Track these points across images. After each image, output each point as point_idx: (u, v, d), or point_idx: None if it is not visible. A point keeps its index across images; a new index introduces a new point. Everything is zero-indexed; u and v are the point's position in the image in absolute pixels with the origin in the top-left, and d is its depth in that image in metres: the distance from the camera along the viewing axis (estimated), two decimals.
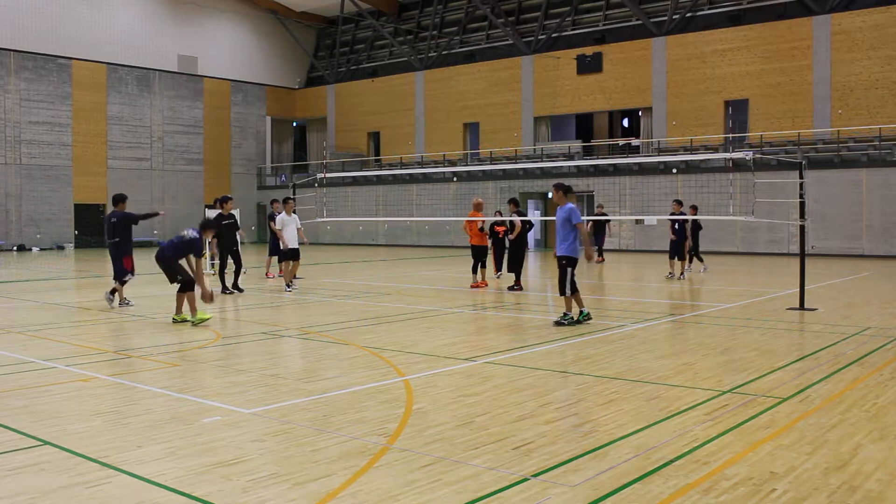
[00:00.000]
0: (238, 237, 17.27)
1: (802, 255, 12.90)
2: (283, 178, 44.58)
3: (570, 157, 34.48)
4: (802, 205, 12.64)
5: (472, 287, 16.43)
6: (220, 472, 4.62)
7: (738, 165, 27.62)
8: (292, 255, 16.25)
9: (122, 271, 13.22)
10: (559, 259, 10.74)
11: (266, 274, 19.11)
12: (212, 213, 20.52)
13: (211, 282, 17.73)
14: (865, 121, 28.46)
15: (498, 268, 18.21)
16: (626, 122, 39.91)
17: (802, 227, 12.74)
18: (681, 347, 9.08)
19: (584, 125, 39.94)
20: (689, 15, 33.28)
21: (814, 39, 29.81)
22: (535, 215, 34.47)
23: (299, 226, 16.41)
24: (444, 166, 38.24)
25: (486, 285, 16.65)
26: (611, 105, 35.58)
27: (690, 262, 19.43)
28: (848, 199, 27.14)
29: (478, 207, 17.08)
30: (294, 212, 16.42)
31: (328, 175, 20.11)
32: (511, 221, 16.48)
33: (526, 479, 4.46)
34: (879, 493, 4.22)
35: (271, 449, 5.12)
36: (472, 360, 8.21)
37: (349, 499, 4.18)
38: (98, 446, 5.14)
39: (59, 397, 6.61)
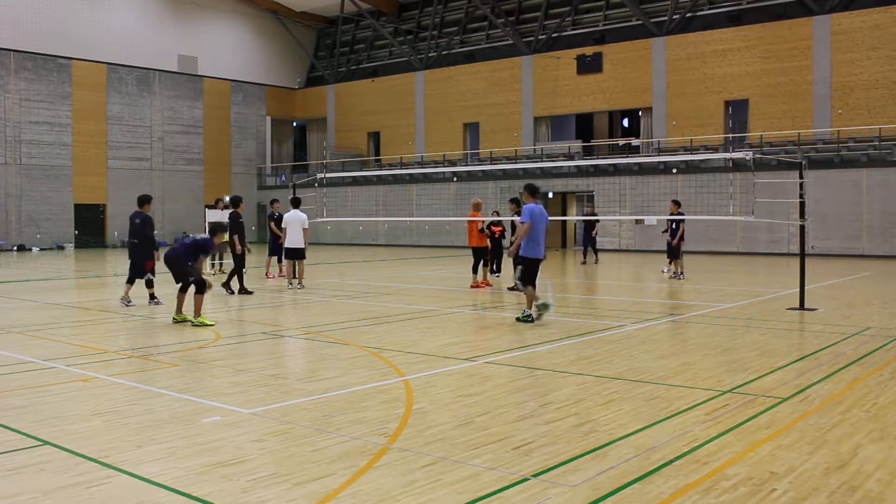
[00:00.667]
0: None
1: (802, 255, 12.90)
2: (283, 178, 44.58)
3: (570, 157, 34.50)
4: (802, 205, 12.64)
5: (471, 287, 16.43)
6: (220, 472, 4.62)
7: (738, 165, 27.63)
8: (290, 254, 16.33)
9: (142, 271, 13.26)
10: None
11: (266, 274, 19.11)
12: (213, 214, 20.60)
13: (215, 281, 17.74)
14: (865, 121, 28.46)
15: (496, 269, 18.16)
16: (626, 122, 39.92)
17: (802, 227, 12.74)
18: (681, 347, 9.07)
19: (584, 125, 39.95)
20: (689, 15, 33.28)
21: (814, 39, 29.82)
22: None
23: (306, 226, 16.35)
24: (444, 166, 38.25)
25: (490, 285, 16.65)
26: (611, 105, 35.58)
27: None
28: (848, 199, 27.14)
29: (476, 207, 17.05)
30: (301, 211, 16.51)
31: (328, 175, 20.11)
32: (512, 221, 16.40)
33: (526, 479, 4.46)
34: (879, 493, 4.22)
35: (271, 449, 5.12)
36: (472, 360, 8.21)
37: (349, 499, 4.18)
38: (98, 446, 5.14)
39: (59, 397, 6.61)
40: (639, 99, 34.33)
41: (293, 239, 16.17)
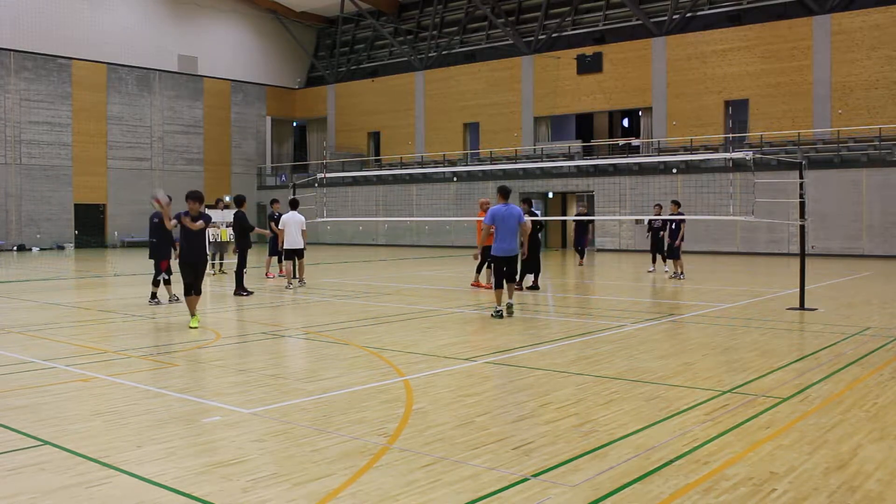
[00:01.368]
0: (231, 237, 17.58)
1: (802, 255, 12.90)
2: (283, 178, 44.58)
3: (570, 157, 34.49)
4: (802, 205, 12.64)
5: (472, 285, 16.41)
6: (220, 472, 4.62)
7: (738, 165, 27.63)
8: (289, 254, 16.59)
9: (157, 271, 13.54)
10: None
11: (266, 274, 19.12)
12: (213, 214, 20.61)
13: (213, 282, 17.75)
14: (865, 121, 28.46)
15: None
16: (626, 122, 39.90)
17: (802, 227, 12.74)
18: (681, 347, 9.07)
19: (584, 125, 39.94)
20: (689, 15, 33.28)
21: (814, 39, 29.81)
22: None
23: (304, 227, 16.57)
24: (444, 166, 38.24)
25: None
26: (611, 105, 35.58)
27: (658, 262, 19.85)
28: (848, 199, 27.14)
29: (484, 207, 17.00)
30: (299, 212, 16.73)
31: (328, 175, 20.12)
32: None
33: (526, 479, 4.46)
34: (879, 493, 4.22)
35: (271, 449, 5.12)
36: (472, 360, 8.21)
37: (349, 499, 4.18)
38: (98, 446, 5.14)
39: (59, 397, 6.61)
40: (639, 99, 34.33)
41: (291, 240, 16.38)
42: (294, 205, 16.90)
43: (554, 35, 37.44)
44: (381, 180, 38.50)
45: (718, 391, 6.65)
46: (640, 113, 35.24)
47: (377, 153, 43.69)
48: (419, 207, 36.95)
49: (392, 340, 9.49)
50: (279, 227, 16.69)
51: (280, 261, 19.14)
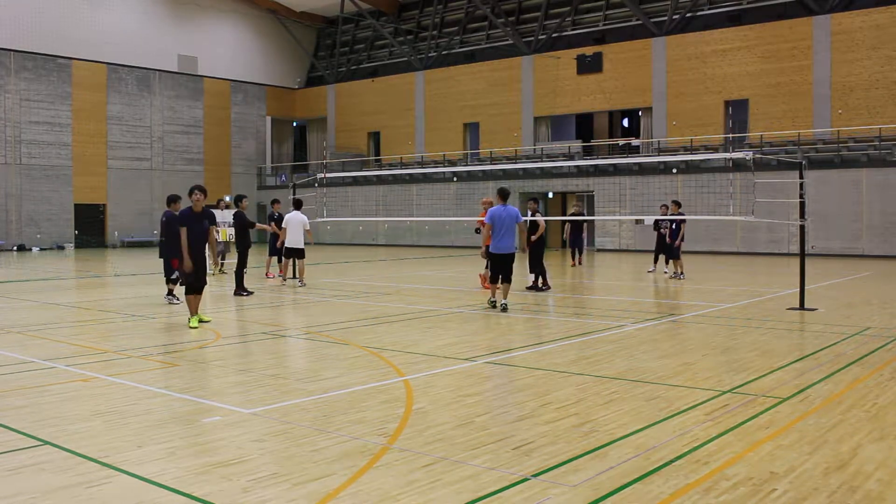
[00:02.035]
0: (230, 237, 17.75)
1: (802, 255, 12.90)
2: (283, 178, 44.58)
3: (570, 157, 34.49)
4: (802, 205, 12.64)
5: (484, 286, 16.38)
6: (220, 472, 4.62)
7: (738, 165, 27.63)
8: (289, 253, 16.84)
9: (170, 270, 13.58)
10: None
11: (266, 274, 19.13)
12: (215, 214, 20.62)
13: (213, 282, 17.75)
14: (865, 121, 28.46)
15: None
16: (626, 122, 39.90)
17: (802, 227, 12.74)
18: (681, 347, 9.07)
19: (584, 125, 39.94)
20: (689, 15, 33.28)
21: (814, 39, 29.81)
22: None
23: (307, 227, 16.84)
24: (444, 166, 38.23)
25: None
26: (611, 105, 35.58)
27: (660, 262, 19.73)
28: (848, 199, 27.13)
29: (486, 207, 16.95)
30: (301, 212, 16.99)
31: (328, 175, 20.14)
32: (533, 221, 16.25)
33: (526, 479, 4.46)
34: (879, 494, 4.22)
35: (271, 449, 5.12)
36: (472, 360, 8.21)
37: (349, 499, 4.18)
38: (98, 446, 5.14)
39: (59, 397, 6.61)
40: (639, 99, 34.33)
41: (293, 239, 16.62)
42: (298, 205, 17.12)
43: (554, 35, 37.44)
44: (381, 180, 38.49)
45: (718, 391, 6.65)
46: (640, 113, 35.23)
47: (377, 153, 43.69)
48: (419, 207, 36.94)
49: (392, 340, 9.49)
50: (283, 226, 16.91)
51: (280, 261, 19.16)
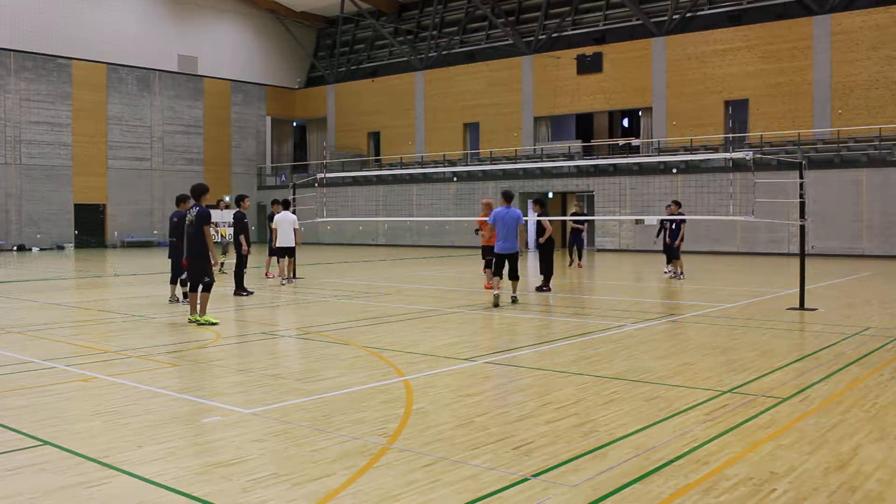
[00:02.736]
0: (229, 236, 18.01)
1: (802, 255, 12.90)
2: (283, 178, 44.58)
3: (570, 157, 34.49)
4: (802, 205, 12.64)
5: (485, 287, 16.36)
6: (220, 472, 4.62)
7: (738, 165, 27.62)
8: (281, 252, 17.36)
9: (180, 271, 13.40)
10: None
11: (266, 274, 19.13)
12: (214, 214, 20.64)
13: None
14: (865, 121, 28.45)
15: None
16: (626, 122, 39.90)
17: (802, 227, 12.74)
18: (681, 347, 9.07)
19: (584, 125, 39.94)
20: (689, 15, 33.28)
21: (814, 39, 29.81)
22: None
23: (297, 226, 17.37)
24: (444, 166, 38.23)
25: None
26: (611, 105, 35.58)
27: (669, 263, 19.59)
28: (848, 199, 27.13)
29: (488, 208, 16.93)
30: (293, 212, 17.42)
31: (328, 175, 20.18)
32: (539, 223, 16.21)
33: (526, 479, 4.46)
34: (879, 494, 4.22)
35: (271, 449, 5.12)
36: (472, 360, 8.21)
37: (349, 499, 4.18)
38: (98, 446, 5.14)
39: (59, 397, 6.61)
40: (639, 99, 34.33)
41: (284, 238, 17.18)
42: (286, 205, 17.82)
43: (554, 35, 37.44)
44: (381, 180, 38.49)
45: (718, 391, 6.64)
46: (640, 113, 35.23)
47: (377, 153, 43.69)
48: (419, 207, 36.95)
49: (392, 340, 9.49)
50: (272, 227, 17.33)
51: (279, 261, 19.20)
